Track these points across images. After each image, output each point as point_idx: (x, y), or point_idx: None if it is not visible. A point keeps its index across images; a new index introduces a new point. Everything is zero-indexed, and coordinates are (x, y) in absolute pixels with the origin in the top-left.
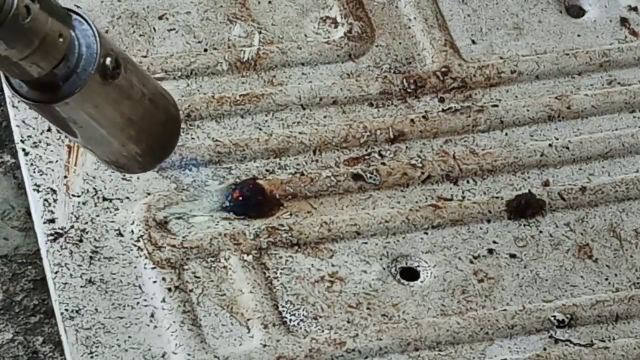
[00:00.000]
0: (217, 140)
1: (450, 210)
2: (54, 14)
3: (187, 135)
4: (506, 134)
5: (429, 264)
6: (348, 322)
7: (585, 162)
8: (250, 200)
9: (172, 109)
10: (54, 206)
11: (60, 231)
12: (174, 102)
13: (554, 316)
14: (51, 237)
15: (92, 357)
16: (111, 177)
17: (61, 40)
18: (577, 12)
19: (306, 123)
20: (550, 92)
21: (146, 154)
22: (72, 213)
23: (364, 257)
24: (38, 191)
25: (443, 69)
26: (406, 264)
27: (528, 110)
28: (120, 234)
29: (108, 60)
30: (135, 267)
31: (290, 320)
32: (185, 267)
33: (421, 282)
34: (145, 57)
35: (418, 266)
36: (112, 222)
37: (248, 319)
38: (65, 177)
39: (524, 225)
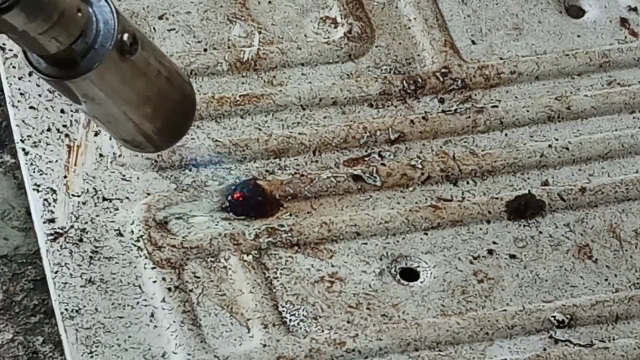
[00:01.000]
0: (217, 140)
1: (450, 211)
2: None
3: (187, 135)
4: (506, 135)
5: (428, 264)
6: (348, 322)
7: (585, 162)
8: (250, 201)
9: (187, 88)
10: (54, 206)
11: (60, 231)
12: (189, 81)
13: (554, 316)
14: (51, 237)
15: (92, 356)
16: (111, 177)
17: (79, 15)
18: (577, 12)
19: (306, 124)
20: (550, 92)
21: (162, 132)
22: (72, 213)
23: (363, 257)
24: (38, 191)
25: (443, 70)
26: (406, 264)
27: (528, 111)
28: (120, 234)
29: (125, 36)
30: (135, 267)
31: (290, 320)
32: (185, 267)
33: (421, 282)
34: None
35: (418, 266)
36: (112, 222)
37: (248, 319)
38: (65, 177)
39: (524, 225)
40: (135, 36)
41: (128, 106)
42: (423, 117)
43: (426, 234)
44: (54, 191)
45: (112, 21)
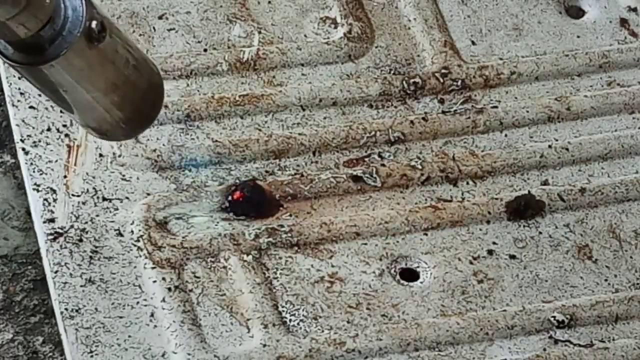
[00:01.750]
0: (216, 140)
1: (449, 211)
2: None
3: (187, 135)
4: (506, 135)
5: (428, 264)
6: (348, 322)
7: (585, 163)
8: (250, 201)
9: (155, 77)
10: (54, 206)
11: (60, 231)
12: (158, 70)
13: (554, 317)
14: (51, 237)
15: (92, 356)
16: (111, 177)
17: (48, 1)
18: (576, 13)
19: (306, 124)
20: (550, 93)
21: (129, 120)
22: (72, 213)
23: (363, 257)
24: (38, 191)
25: (443, 70)
26: (406, 264)
27: (527, 112)
28: (120, 234)
29: (94, 23)
30: (135, 267)
31: (290, 320)
32: (185, 267)
33: (421, 282)
34: None
35: (418, 267)
36: (112, 222)
37: (248, 319)
38: (65, 176)
39: (524, 226)
40: (104, 24)
41: (95, 94)
42: (423, 118)
43: (426, 234)
44: (54, 191)
45: (80, 8)
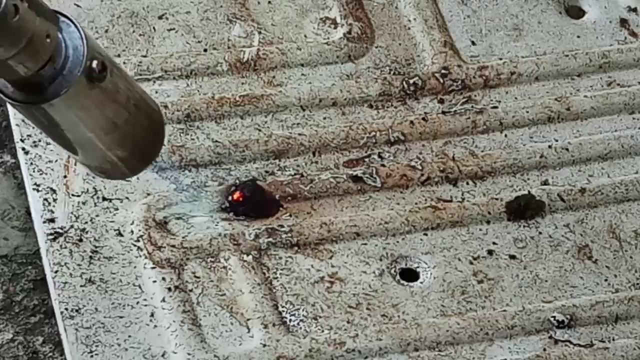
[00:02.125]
0: (216, 141)
1: (449, 212)
2: (41, 14)
3: (186, 135)
4: (506, 136)
5: (428, 264)
6: (348, 322)
7: (585, 163)
8: (250, 201)
9: (156, 115)
10: (54, 206)
11: (60, 231)
12: (159, 108)
13: (554, 317)
14: (51, 237)
15: (92, 356)
16: None
17: (48, 40)
18: (576, 13)
19: (306, 124)
20: (550, 93)
21: (129, 159)
22: (71, 213)
23: (363, 258)
24: (38, 190)
25: (443, 71)
26: (406, 264)
27: (527, 112)
28: (120, 234)
29: (95, 63)
30: (135, 267)
31: (290, 320)
32: (185, 267)
33: (421, 282)
34: (144, 56)
35: (418, 267)
36: (112, 222)
37: (248, 319)
38: (65, 176)
39: (524, 226)
40: (105, 63)
41: (95, 133)
42: (423, 118)
43: (426, 234)
44: (54, 191)
45: (81, 47)
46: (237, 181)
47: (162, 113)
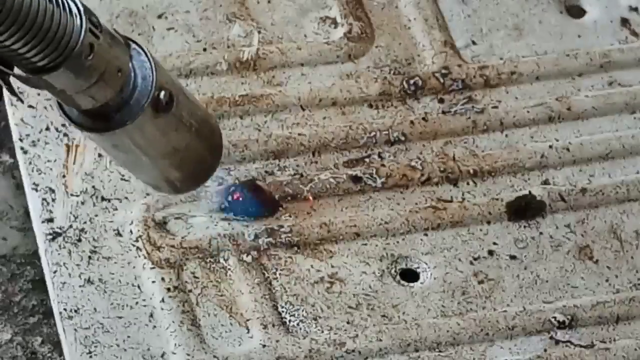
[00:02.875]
0: None
1: (450, 212)
2: (115, 47)
3: None
4: (506, 136)
5: (428, 265)
6: (348, 322)
7: (586, 163)
8: (249, 202)
9: (216, 138)
10: (53, 205)
11: (59, 231)
12: (219, 130)
13: (555, 317)
14: (50, 237)
15: (90, 356)
16: (110, 177)
17: (119, 74)
18: (577, 12)
19: (305, 124)
20: (551, 93)
21: (186, 179)
22: (70, 212)
23: (363, 258)
24: (36, 190)
25: (443, 70)
26: (406, 265)
27: (528, 112)
28: (119, 234)
29: (162, 94)
30: (134, 267)
31: (290, 320)
32: (184, 267)
33: (421, 283)
34: None
35: (418, 267)
36: (111, 222)
37: (247, 320)
38: (64, 176)
39: (524, 226)
40: (172, 94)
41: (156, 157)
42: (423, 118)
43: (426, 234)
44: (53, 191)
45: (150, 78)
46: (237, 181)
47: (222, 134)
